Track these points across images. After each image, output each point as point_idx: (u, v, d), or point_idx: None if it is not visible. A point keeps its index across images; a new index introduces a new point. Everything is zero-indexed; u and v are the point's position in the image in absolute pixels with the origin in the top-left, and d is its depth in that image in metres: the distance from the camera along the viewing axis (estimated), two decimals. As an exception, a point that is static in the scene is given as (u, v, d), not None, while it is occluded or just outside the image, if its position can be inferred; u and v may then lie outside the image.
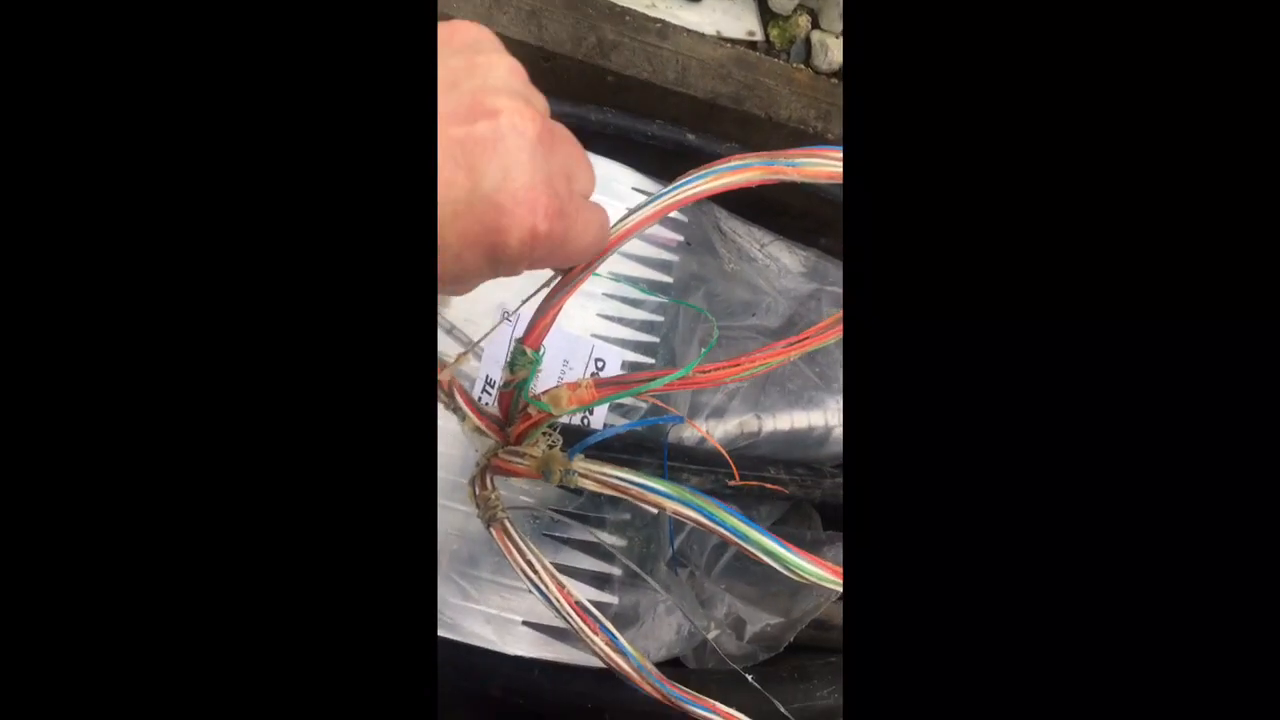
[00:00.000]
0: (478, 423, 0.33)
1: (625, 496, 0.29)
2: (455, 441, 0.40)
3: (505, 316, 0.41)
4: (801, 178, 0.33)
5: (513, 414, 0.34)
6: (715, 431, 0.49)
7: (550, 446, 0.32)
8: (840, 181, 0.31)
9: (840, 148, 0.32)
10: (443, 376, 0.32)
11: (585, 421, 0.39)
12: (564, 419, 0.33)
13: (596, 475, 0.29)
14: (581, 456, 0.29)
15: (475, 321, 0.43)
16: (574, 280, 0.34)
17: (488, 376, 0.40)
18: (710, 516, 0.27)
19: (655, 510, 0.28)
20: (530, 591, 0.29)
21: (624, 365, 0.45)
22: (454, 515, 0.37)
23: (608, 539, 0.38)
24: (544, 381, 0.38)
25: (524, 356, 0.32)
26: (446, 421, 0.41)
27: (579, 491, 0.31)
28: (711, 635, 0.41)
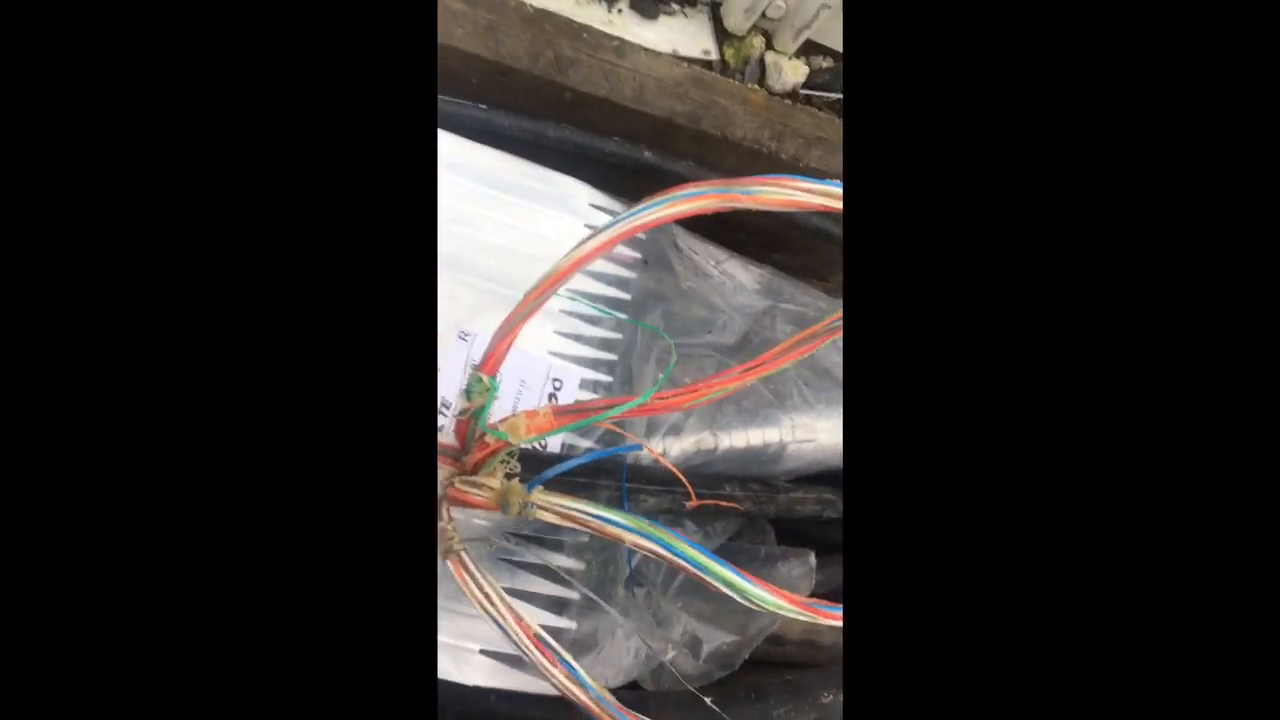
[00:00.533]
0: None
1: (584, 529, 0.29)
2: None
3: (461, 336, 0.41)
4: (756, 205, 0.33)
5: (469, 442, 0.33)
6: (672, 449, 0.50)
7: (509, 475, 0.32)
8: (794, 208, 0.32)
9: (795, 176, 0.33)
10: None
11: (543, 446, 0.39)
12: (525, 445, 0.33)
13: (555, 507, 0.28)
14: (540, 488, 0.29)
15: (442, 348, 0.43)
16: (532, 306, 0.33)
17: (442, 399, 0.39)
18: (669, 548, 0.28)
19: (617, 541, 0.28)
20: (486, 622, 0.29)
21: (582, 383, 0.44)
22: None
23: (565, 562, 0.38)
24: (501, 401, 0.38)
25: (480, 384, 0.32)
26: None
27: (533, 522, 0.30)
28: (668, 657, 0.41)
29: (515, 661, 0.35)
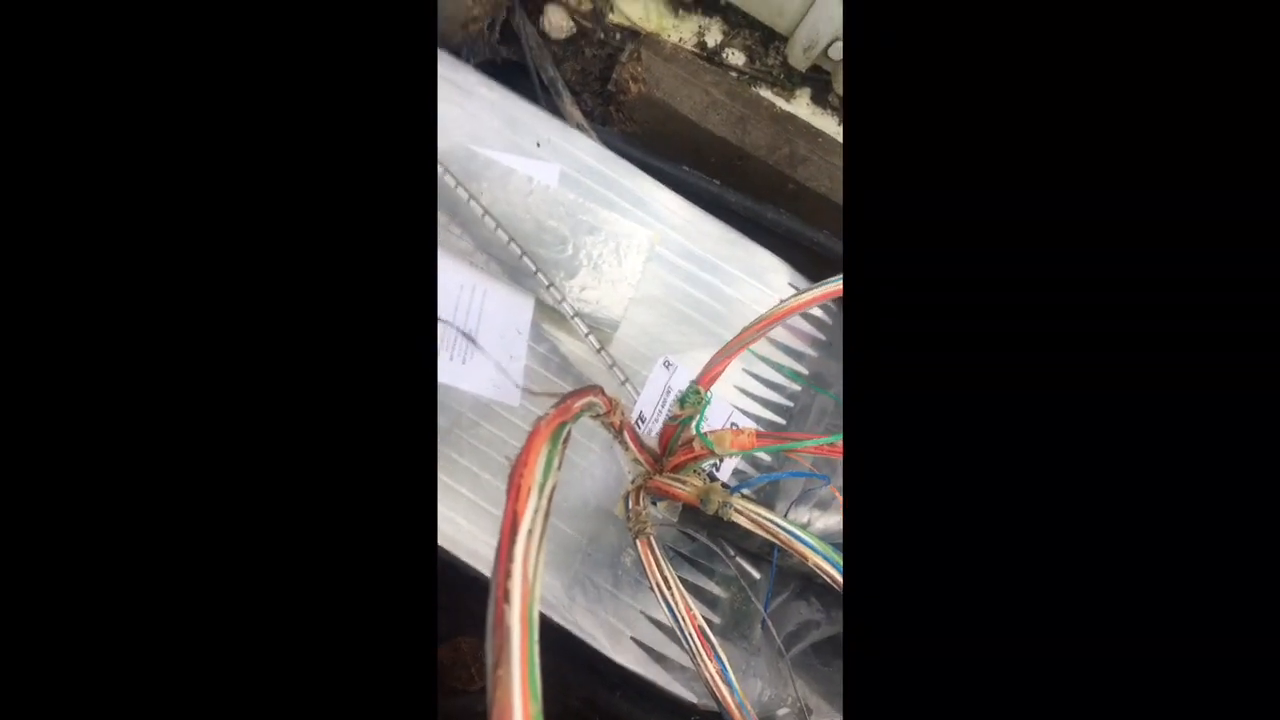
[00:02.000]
0: (637, 454, 0.37)
1: (772, 538, 0.32)
2: (597, 461, 0.44)
3: (665, 364, 0.46)
4: None
5: (672, 445, 0.37)
6: (818, 523, 0.52)
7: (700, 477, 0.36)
8: None
9: None
10: (614, 417, 0.35)
11: (715, 468, 0.43)
12: (707, 465, 0.37)
13: (750, 513, 0.32)
14: (739, 495, 0.32)
15: (632, 365, 0.48)
16: (745, 342, 0.38)
17: (640, 412, 0.44)
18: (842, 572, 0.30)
19: (795, 555, 0.31)
20: (658, 603, 0.32)
21: (759, 422, 0.48)
22: (589, 525, 0.41)
23: (712, 588, 0.41)
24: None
25: (696, 395, 0.36)
26: (591, 441, 0.45)
27: (708, 525, 0.34)
28: (782, 713, 0.43)
29: (660, 658, 0.37)
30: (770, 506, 0.50)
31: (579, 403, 0.29)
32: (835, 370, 0.56)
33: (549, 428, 0.23)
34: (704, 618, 0.41)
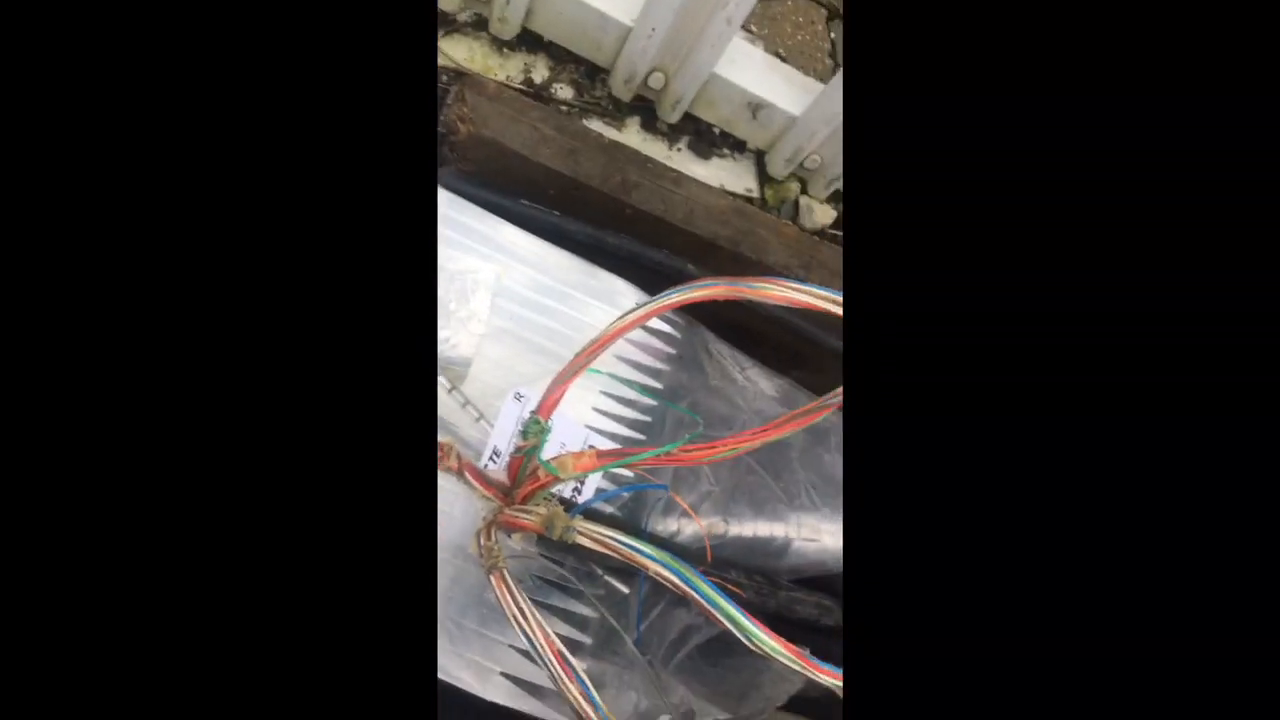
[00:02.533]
0: (483, 491, 0.38)
1: (616, 555, 0.33)
2: (455, 501, 0.44)
3: (516, 396, 0.47)
4: (758, 298, 0.40)
5: (520, 477, 0.38)
6: (684, 530, 0.54)
7: (549, 504, 0.37)
8: (790, 304, 0.38)
9: (795, 280, 0.39)
10: (449, 461, 0.36)
11: (576, 493, 0.44)
12: (559, 490, 0.38)
13: (593, 534, 0.33)
14: (581, 517, 0.33)
15: (489, 400, 0.49)
16: (581, 364, 0.39)
17: (495, 447, 0.44)
18: (686, 580, 0.32)
19: (640, 569, 0.32)
20: (517, 634, 0.33)
21: (616, 439, 0.50)
22: (449, 568, 0.41)
23: (582, 609, 0.42)
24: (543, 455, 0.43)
25: (536, 425, 0.37)
26: (448, 483, 0.45)
27: (570, 549, 0.35)
28: (664, 719, 0.44)
29: (532, 689, 0.38)
30: (637, 520, 0.51)
31: None
32: (688, 381, 0.58)
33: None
34: (575, 639, 0.42)
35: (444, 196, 0.55)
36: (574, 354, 0.54)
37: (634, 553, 0.32)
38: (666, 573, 0.32)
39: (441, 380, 0.47)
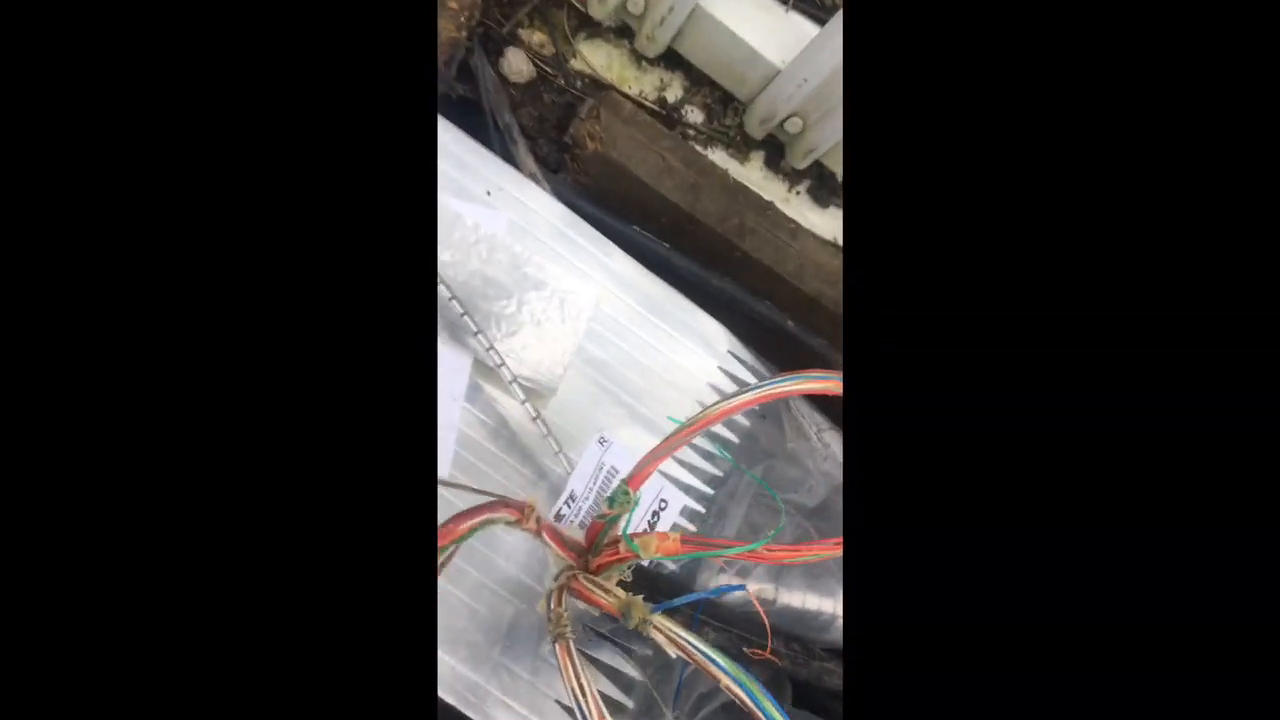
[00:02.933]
0: (559, 552, 0.37)
1: (689, 659, 0.33)
2: (522, 540, 0.44)
3: (600, 441, 0.46)
4: None
5: (599, 544, 0.38)
6: (734, 592, 0.53)
7: (621, 583, 0.36)
8: None
9: None
10: (528, 523, 0.35)
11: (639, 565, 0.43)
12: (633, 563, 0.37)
13: (669, 632, 0.32)
14: (661, 613, 0.33)
15: (569, 432, 0.48)
16: (681, 441, 0.39)
17: (572, 491, 0.44)
18: (758, 704, 0.31)
19: (713, 680, 0.32)
20: (567, 695, 0.33)
21: (682, 510, 0.49)
22: (509, 608, 0.41)
23: (629, 670, 0.42)
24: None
25: (625, 496, 0.37)
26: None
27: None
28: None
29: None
30: (693, 577, 0.51)
31: (464, 525, 0.29)
32: (765, 439, 0.57)
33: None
34: (618, 700, 0.42)
35: (555, 209, 0.54)
36: (661, 400, 0.53)
37: (709, 662, 0.32)
38: (738, 690, 0.31)
39: (527, 407, 0.47)
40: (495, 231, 0.52)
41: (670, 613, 0.33)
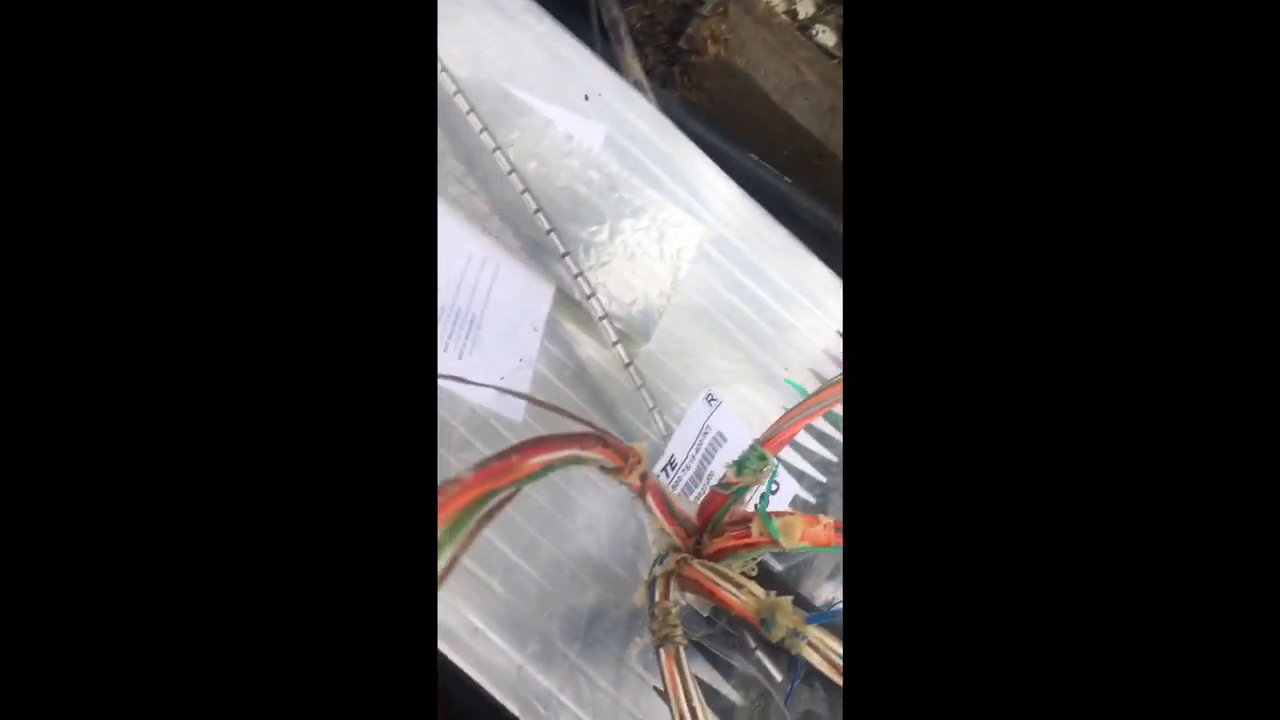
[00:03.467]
0: (665, 524, 0.28)
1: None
2: (605, 503, 0.35)
3: (708, 399, 0.37)
4: None
5: (718, 520, 0.29)
6: (839, 600, 0.44)
7: (746, 574, 0.27)
8: None
9: None
10: (631, 476, 0.26)
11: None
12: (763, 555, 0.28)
13: (828, 650, 0.23)
14: (816, 625, 0.24)
15: (665, 389, 0.39)
16: (825, 404, 0.29)
17: (672, 456, 0.35)
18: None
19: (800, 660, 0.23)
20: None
21: (793, 501, 0.40)
22: (589, 594, 0.32)
23: (729, 692, 0.33)
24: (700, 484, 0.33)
25: (761, 460, 0.28)
26: (600, 483, 0.37)
27: (775, 650, 0.25)
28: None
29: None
30: (799, 582, 0.41)
31: (537, 458, 0.20)
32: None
33: (468, 493, 0.18)
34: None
35: (662, 126, 0.45)
36: (774, 358, 0.44)
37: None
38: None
39: (619, 350, 0.38)
40: (591, 145, 0.44)
41: (827, 625, 0.24)
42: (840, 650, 0.23)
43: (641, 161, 0.45)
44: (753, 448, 0.28)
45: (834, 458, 0.43)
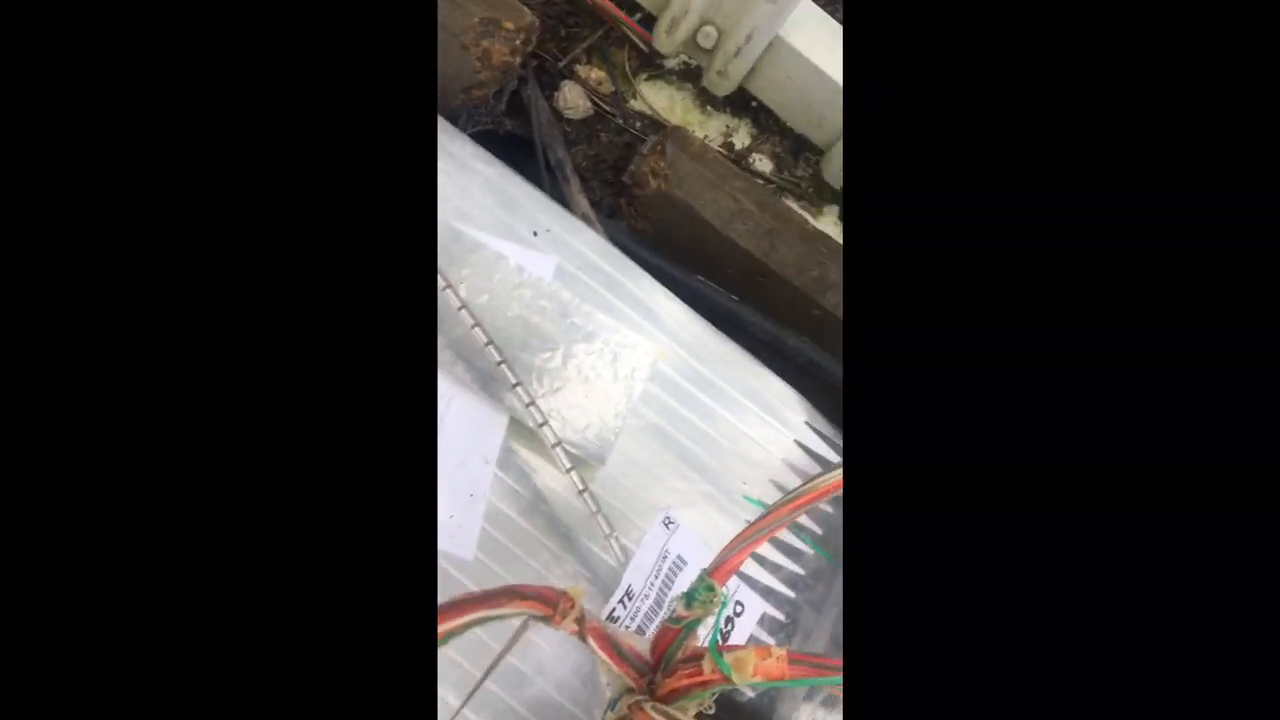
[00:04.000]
0: (613, 666, 0.28)
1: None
2: (564, 652, 0.34)
3: (665, 523, 0.37)
4: None
5: (670, 657, 0.28)
6: (821, 724, 0.42)
7: (701, 716, 0.26)
8: None
9: None
10: (564, 621, 0.25)
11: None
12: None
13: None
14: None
15: (627, 516, 0.39)
16: (779, 523, 0.29)
17: (629, 586, 0.35)
18: None
19: None
20: None
21: (761, 619, 0.39)
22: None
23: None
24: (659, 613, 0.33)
25: (709, 593, 0.27)
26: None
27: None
28: None
29: None
30: (773, 708, 0.40)
31: (454, 622, 0.20)
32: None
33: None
34: None
35: (609, 254, 0.47)
36: (732, 474, 0.44)
37: None
38: None
39: (573, 477, 0.38)
40: (541, 275, 0.45)
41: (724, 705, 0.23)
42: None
43: (592, 288, 0.46)
44: (700, 578, 0.28)
45: (801, 570, 0.42)
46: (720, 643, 0.26)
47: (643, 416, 0.44)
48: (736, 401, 0.47)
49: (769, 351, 0.49)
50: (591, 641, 0.25)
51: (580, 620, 0.25)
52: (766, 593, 0.40)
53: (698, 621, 0.28)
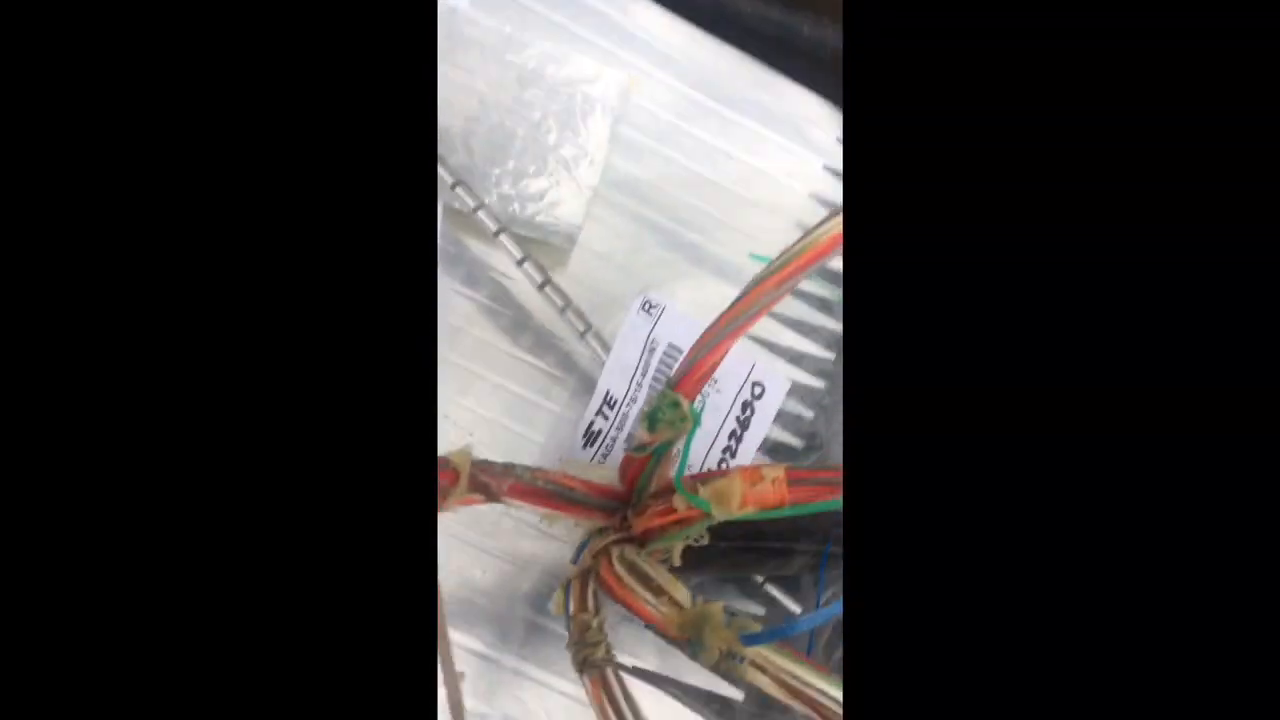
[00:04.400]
0: (565, 517, 0.22)
1: (807, 707, 0.17)
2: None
3: (645, 307, 0.29)
4: None
5: (640, 491, 0.22)
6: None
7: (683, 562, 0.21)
8: None
9: None
10: (450, 497, 0.18)
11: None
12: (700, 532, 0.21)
13: (777, 670, 0.17)
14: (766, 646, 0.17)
15: (600, 302, 0.31)
16: (769, 298, 0.21)
17: (608, 393, 0.28)
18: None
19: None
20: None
21: (792, 388, 0.32)
22: (521, 609, 0.27)
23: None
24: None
25: (675, 410, 0.20)
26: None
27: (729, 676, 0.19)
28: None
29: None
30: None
31: None
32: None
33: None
34: None
35: None
36: (739, 230, 0.34)
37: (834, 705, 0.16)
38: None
39: (527, 269, 0.30)
40: (456, 3, 0.34)
41: (783, 642, 0.17)
42: (798, 669, 0.17)
43: (526, 5, 0.35)
44: (663, 394, 0.20)
45: (819, 384, 0.34)
46: (693, 473, 0.20)
47: (618, 170, 0.34)
48: (739, 125, 0.36)
49: (779, 49, 0.37)
50: (510, 498, 0.19)
51: (484, 488, 0.18)
52: (797, 359, 0.33)
53: (668, 445, 0.21)
